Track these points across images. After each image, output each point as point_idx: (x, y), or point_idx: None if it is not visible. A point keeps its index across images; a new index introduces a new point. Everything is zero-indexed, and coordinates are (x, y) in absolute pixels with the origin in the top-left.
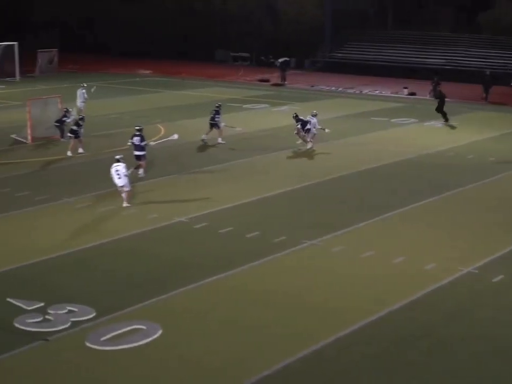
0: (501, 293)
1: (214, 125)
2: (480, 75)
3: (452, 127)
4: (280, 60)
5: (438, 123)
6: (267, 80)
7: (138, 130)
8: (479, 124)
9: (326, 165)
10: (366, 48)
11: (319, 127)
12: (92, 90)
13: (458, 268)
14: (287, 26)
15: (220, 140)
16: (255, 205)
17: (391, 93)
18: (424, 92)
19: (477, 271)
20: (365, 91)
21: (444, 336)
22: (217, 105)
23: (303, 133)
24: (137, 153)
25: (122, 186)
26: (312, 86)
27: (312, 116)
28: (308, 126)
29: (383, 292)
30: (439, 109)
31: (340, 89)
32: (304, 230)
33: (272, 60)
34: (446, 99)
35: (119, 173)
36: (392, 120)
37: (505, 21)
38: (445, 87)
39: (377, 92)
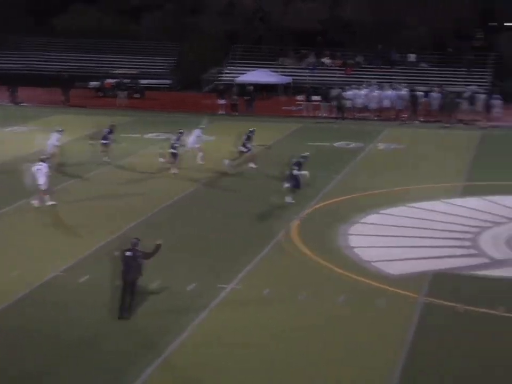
0: (86, 292)
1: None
2: (58, 78)
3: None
4: None
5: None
6: None
7: None
8: (60, 127)
9: None
10: None
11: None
12: None
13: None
14: None
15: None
16: None
17: None
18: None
19: (63, 274)
20: None
21: None
22: (180, 131)
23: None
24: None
25: (40, 185)
26: None
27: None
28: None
29: None
30: None
31: None
32: None
33: None
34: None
35: (40, 171)
36: None
37: (78, 24)
38: (24, 92)
39: None
